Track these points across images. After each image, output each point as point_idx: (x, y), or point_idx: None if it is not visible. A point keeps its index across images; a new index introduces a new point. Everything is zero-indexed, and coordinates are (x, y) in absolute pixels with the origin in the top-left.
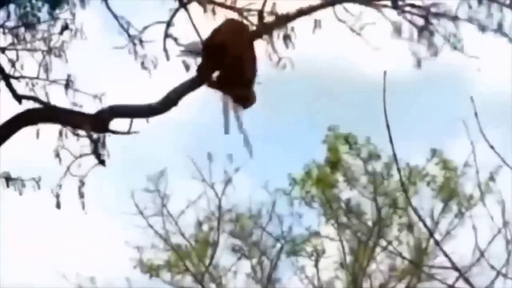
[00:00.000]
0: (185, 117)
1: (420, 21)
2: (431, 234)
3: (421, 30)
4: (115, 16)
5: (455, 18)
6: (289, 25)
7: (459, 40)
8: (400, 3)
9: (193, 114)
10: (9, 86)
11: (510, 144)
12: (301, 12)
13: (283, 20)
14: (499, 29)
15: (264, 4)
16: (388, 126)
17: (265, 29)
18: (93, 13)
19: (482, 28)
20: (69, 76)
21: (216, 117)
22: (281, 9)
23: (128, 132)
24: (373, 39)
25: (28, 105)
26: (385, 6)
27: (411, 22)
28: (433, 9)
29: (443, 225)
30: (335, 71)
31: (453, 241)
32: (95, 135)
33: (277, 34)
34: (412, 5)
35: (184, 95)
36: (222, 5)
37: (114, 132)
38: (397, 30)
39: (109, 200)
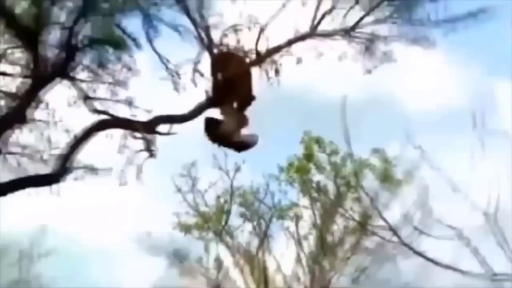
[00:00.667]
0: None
1: (365, 45)
2: (373, 202)
3: (366, 50)
4: (159, 56)
5: (392, 38)
6: (277, 58)
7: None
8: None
9: None
10: (89, 103)
11: (434, 146)
12: (281, 47)
13: (270, 52)
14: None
15: (257, 45)
16: (346, 131)
17: (259, 60)
18: (146, 52)
19: (412, 42)
20: (128, 98)
21: None
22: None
23: (168, 133)
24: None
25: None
26: (341, 36)
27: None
28: (372, 36)
29: (382, 199)
30: (307, 94)
31: (388, 212)
32: (148, 136)
33: (269, 65)
34: (357, 36)
35: (204, 110)
36: (233, 49)
37: (159, 133)
38: (344, 55)
39: (157, 182)
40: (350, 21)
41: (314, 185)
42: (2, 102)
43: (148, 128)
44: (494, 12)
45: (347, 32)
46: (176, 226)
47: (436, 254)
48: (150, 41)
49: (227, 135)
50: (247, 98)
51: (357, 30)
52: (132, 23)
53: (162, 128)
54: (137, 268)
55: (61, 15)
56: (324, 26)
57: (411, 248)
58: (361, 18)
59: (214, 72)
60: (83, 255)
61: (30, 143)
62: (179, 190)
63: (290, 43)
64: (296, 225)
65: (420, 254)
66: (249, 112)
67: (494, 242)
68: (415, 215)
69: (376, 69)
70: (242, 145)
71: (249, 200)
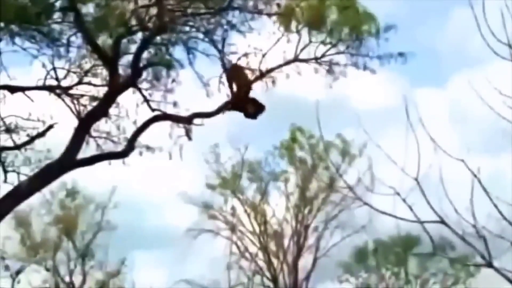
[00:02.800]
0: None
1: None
2: (337, 170)
3: (328, 72)
4: (196, 73)
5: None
6: (273, 75)
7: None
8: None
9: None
10: (148, 104)
11: (377, 131)
12: (275, 68)
13: (268, 71)
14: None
15: (259, 66)
16: (318, 122)
17: (261, 76)
18: (187, 70)
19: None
20: (174, 101)
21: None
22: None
23: (201, 124)
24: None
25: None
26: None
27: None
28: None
29: (342, 168)
30: (293, 98)
31: (347, 176)
32: (187, 126)
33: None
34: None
35: (225, 108)
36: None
37: (195, 124)
38: (316, 71)
39: (193, 156)
40: (319, 52)
41: (297, 158)
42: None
43: (187, 121)
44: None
45: (317, 59)
46: (205, 186)
47: (381, 206)
48: (190, 63)
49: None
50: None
51: (323, 58)
52: (178, 51)
53: (196, 121)
54: (178, 214)
55: (130, 46)
56: (303, 55)
57: (363, 201)
58: (326, 51)
59: (229, 79)
60: (142, 206)
61: (105, 130)
62: (207, 161)
63: (281, 65)
64: (285, 185)
65: (369, 205)
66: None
67: (422, 198)
68: (365, 178)
69: (335, 83)
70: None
71: (254, 168)
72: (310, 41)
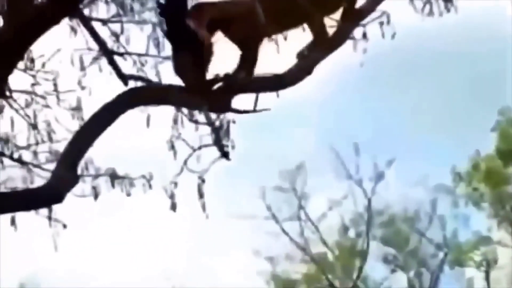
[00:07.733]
0: (320, 97)
1: None
2: None
3: None
4: None
5: None
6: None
7: None
8: None
9: (330, 93)
10: (113, 64)
11: None
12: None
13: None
14: None
15: None
16: None
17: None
18: None
19: None
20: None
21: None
22: None
23: (255, 110)
24: None
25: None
26: None
27: None
28: None
29: None
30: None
31: None
32: (217, 122)
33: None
34: None
35: (320, 61)
36: None
37: (238, 111)
38: None
39: (235, 201)
40: None
41: None
42: None
43: (216, 100)
44: None
45: None
46: (271, 280)
47: None
48: None
49: None
50: None
51: None
52: None
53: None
54: None
55: None
56: None
57: None
58: None
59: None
60: None
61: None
62: (274, 215)
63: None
64: (487, 277)
65: None
66: None
67: None
68: None
69: None
70: None
71: (401, 232)
72: None
